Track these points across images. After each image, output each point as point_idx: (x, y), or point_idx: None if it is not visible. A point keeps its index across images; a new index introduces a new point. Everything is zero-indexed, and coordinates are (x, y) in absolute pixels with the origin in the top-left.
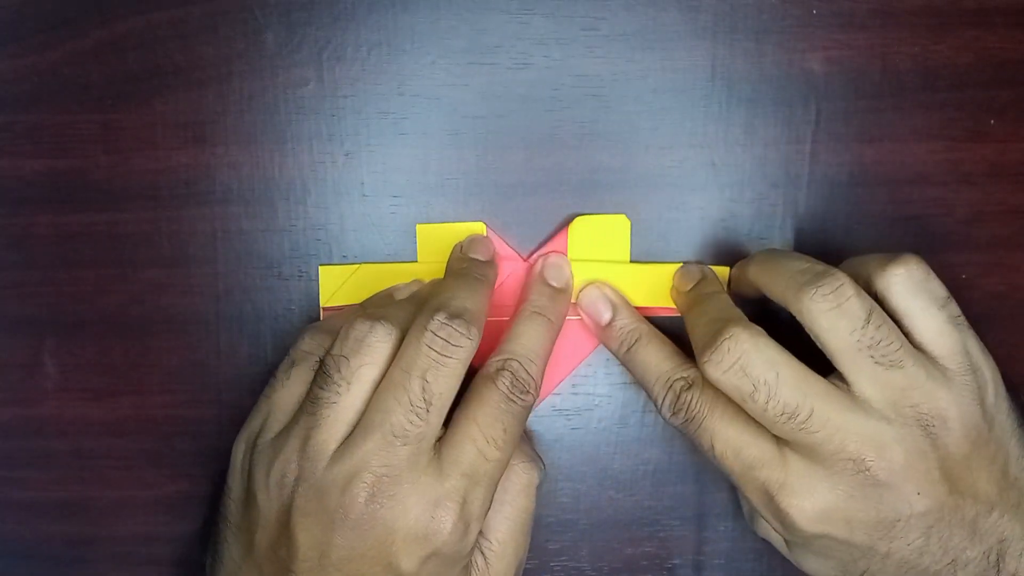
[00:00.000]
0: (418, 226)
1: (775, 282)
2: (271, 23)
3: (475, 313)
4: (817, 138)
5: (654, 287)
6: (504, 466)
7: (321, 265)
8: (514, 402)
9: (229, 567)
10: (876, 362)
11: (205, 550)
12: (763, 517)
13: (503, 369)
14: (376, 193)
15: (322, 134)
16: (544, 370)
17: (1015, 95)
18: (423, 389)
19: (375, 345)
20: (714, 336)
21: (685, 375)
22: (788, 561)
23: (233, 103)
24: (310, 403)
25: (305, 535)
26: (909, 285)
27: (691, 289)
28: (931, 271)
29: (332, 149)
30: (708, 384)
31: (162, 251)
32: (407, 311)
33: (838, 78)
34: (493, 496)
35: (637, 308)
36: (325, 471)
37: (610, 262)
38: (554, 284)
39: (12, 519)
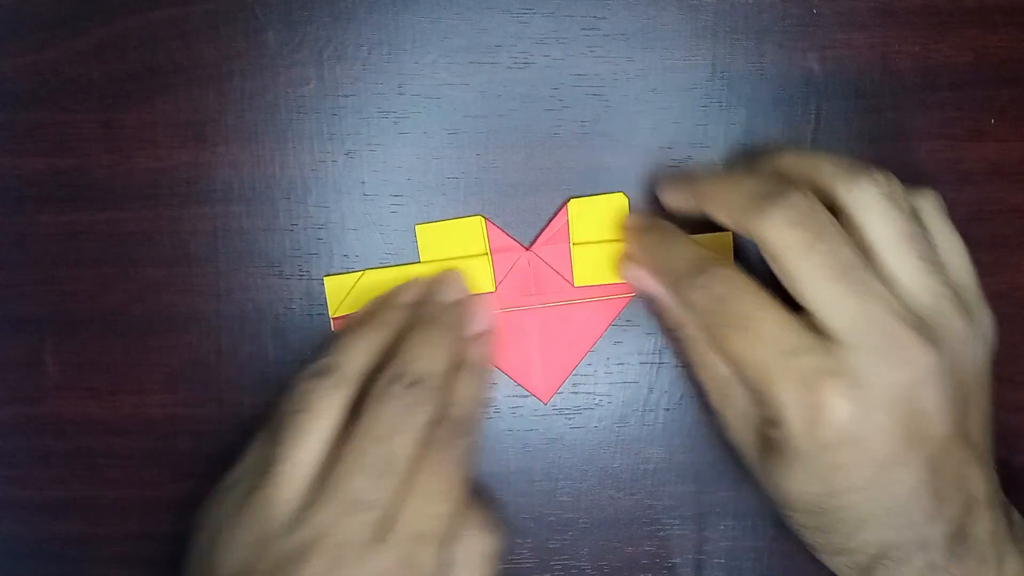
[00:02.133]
0: (417, 227)
1: (728, 203)
2: (272, 22)
3: (437, 375)
4: (817, 138)
5: None
6: (455, 518)
7: (326, 276)
8: (455, 448)
9: None
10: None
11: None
12: (782, 416)
13: (442, 419)
14: (377, 192)
15: (323, 133)
16: (479, 411)
17: (1016, 94)
18: (386, 455)
19: (322, 398)
20: (770, 194)
21: (703, 261)
22: (788, 560)
23: (234, 102)
24: (263, 463)
25: None
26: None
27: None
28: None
29: (333, 148)
30: (736, 269)
31: (163, 250)
32: (357, 354)
33: (838, 78)
34: (448, 550)
35: None
36: (281, 538)
37: (612, 241)
38: (479, 330)
39: (12, 519)
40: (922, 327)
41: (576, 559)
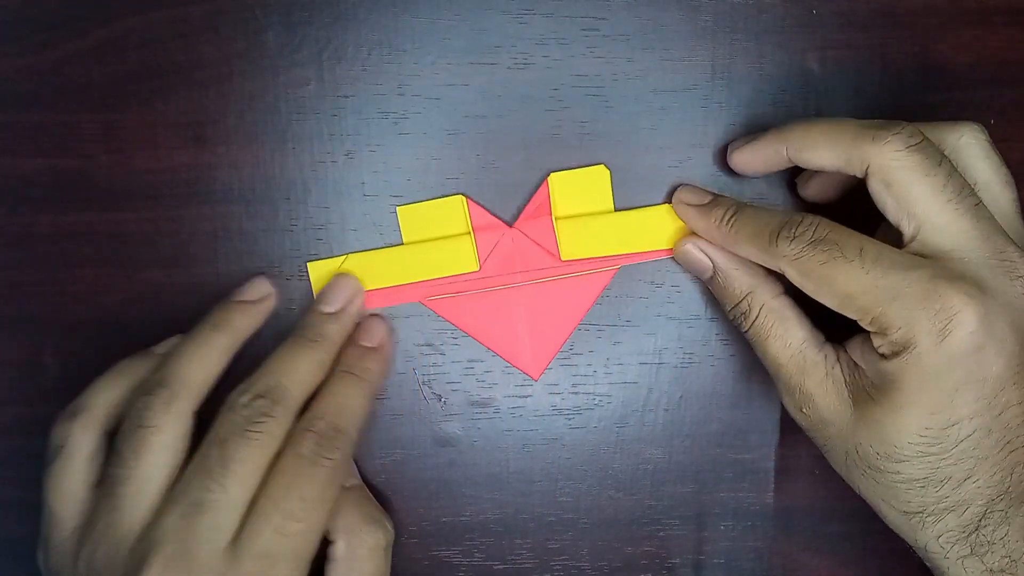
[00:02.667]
0: (399, 208)
1: (832, 139)
2: (272, 23)
3: (288, 389)
4: None
5: (643, 232)
6: (312, 537)
7: (309, 262)
8: (319, 464)
9: None
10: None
11: None
12: (911, 331)
13: (307, 430)
14: (377, 193)
15: (323, 134)
16: (359, 428)
17: (1016, 95)
18: (220, 456)
19: (160, 412)
20: (882, 124)
21: (790, 215)
22: (788, 560)
23: (234, 103)
24: (108, 484)
25: None
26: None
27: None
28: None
29: (333, 149)
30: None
31: (163, 251)
32: (191, 364)
33: (838, 78)
34: (303, 564)
35: (629, 255)
36: (131, 550)
37: (596, 214)
38: (365, 344)
39: (12, 519)
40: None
41: (576, 559)
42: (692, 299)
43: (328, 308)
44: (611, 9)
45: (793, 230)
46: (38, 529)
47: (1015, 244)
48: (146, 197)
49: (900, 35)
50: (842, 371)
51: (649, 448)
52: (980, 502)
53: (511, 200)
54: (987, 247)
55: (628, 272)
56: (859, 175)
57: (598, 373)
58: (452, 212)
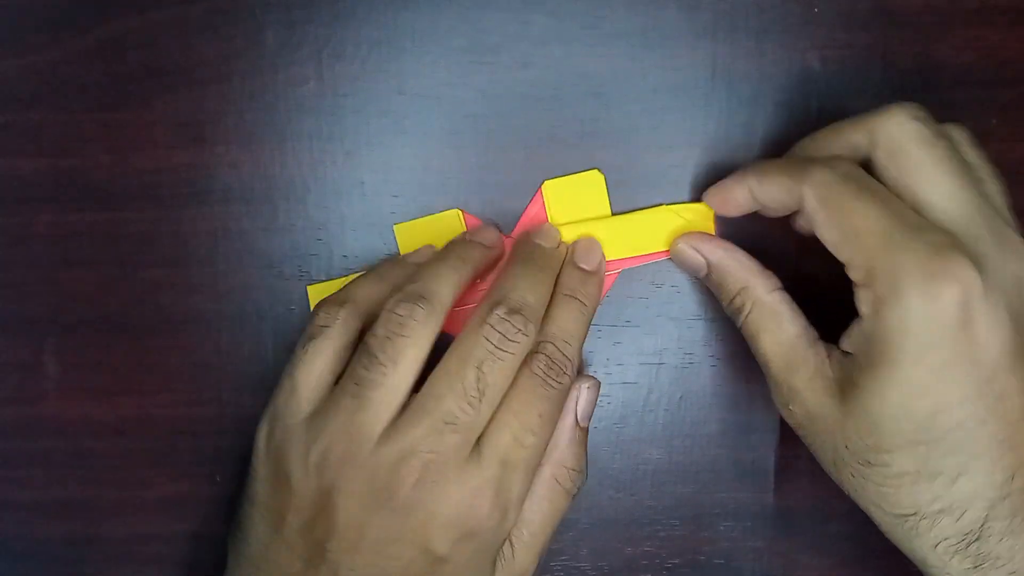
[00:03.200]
0: (395, 226)
1: (831, 137)
2: (271, 22)
3: (535, 308)
4: None
5: (642, 235)
6: (541, 451)
7: (309, 285)
8: (550, 386)
9: (255, 547)
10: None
11: (228, 528)
12: (901, 284)
13: (538, 353)
14: (376, 192)
15: (322, 133)
16: (580, 352)
17: (1017, 94)
18: (478, 379)
19: (419, 324)
20: (886, 105)
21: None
22: (788, 561)
23: (233, 102)
24: (353, 384)
25: (346, 515)
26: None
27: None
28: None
29: (332, 148)
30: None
31: (163, 251)
32: (447, 285)
33: (839, 77)
34: (531, 481)
35: (627, 259)
36: (372, 453)
37: (593, 219)
38: (584, 267)
39: (12, 519)
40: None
41: (576, 559)
42: (692, 299)
43: (548, 244)
44: (611, 8)
45: (831, 163)
46: (40, 528)
47: (1013, 228)
48: (146, 197)
49: (900, 35)
50: (832, 367)
51: (649, 448)
52: (979, 506)
53: (511, 200)
54: (989, 225)
55: (628, 273)
56: (797, 205)
57: (598, 373)
58: (449, 226)
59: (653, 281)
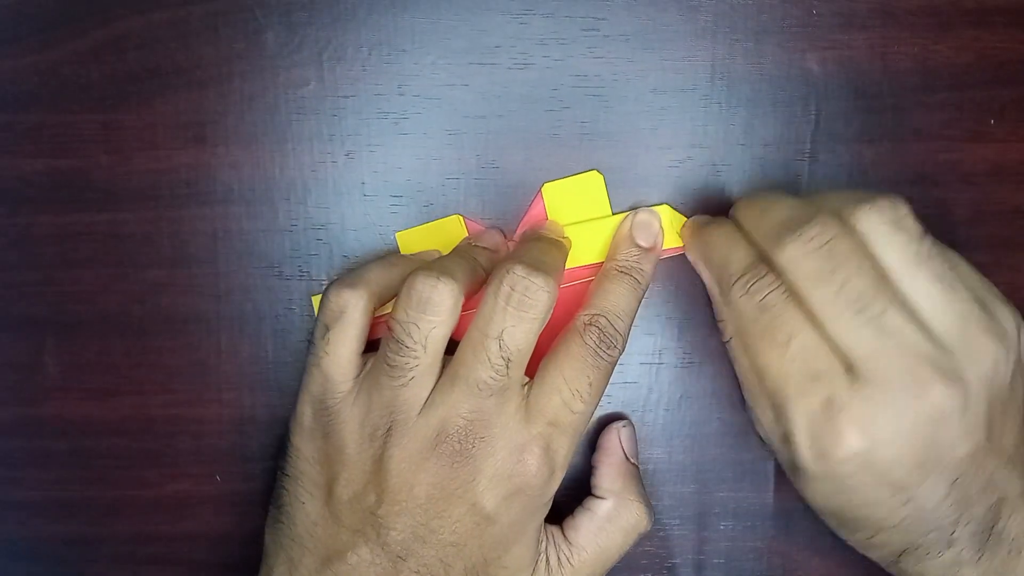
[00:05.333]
0: (397, 234)
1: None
2: (272, 23)
3: (552, 265)
4: (817, 138)
5: None
6: (587, 420)
7: (313, 295)
8: (601, 357)
9: (301, 525)
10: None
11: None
12: (792, 438)
13: (591, 324)
14: (377, 193)
15: (323, 134)
16: (630, 327)
17: (1016, 95)
18: (500, 348)
19: (441, 303)
20: (800, 221)
21: (758, 267)
22: (788, 561)
23: (234, 103)
24: (388, 367)
25: (397, 478)
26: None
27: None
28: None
29: (333, 149)
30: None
31: (163, 251)
32: (461, 271)
33: (838, 78)
34: (575, 447)
35: None
36: (418, 419)
37: (593, 220)
38: (642, 243)
39: (12, 519)
40: (942, 360)
41: None
42: (692, 299)
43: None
44: (611, 9)
45: (747, 283)
46: (40, 528)
47: (929, 361)
48: (146, 197)
49: (900, 35)
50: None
51: (649, 448)
52: (896, 548)
53: (511, 200)
54: (892, 367)
55: None
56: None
57: None
58: (451, 232)
59: (653, 281)
